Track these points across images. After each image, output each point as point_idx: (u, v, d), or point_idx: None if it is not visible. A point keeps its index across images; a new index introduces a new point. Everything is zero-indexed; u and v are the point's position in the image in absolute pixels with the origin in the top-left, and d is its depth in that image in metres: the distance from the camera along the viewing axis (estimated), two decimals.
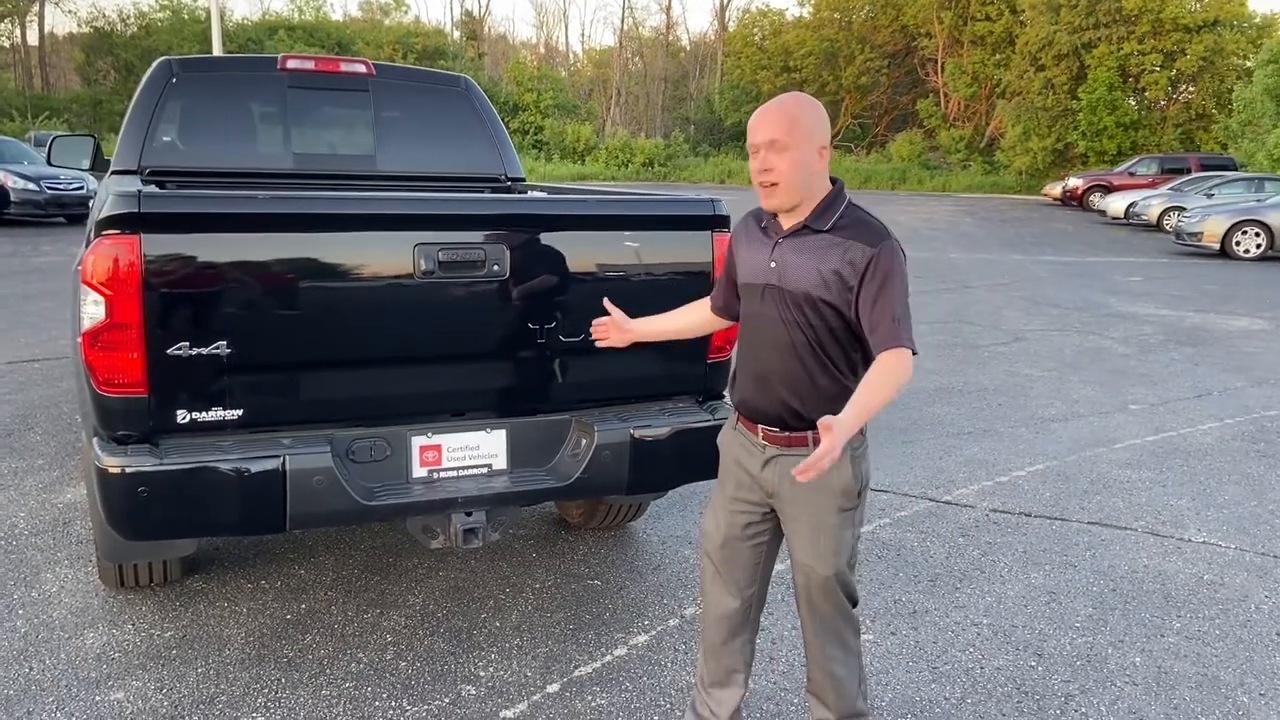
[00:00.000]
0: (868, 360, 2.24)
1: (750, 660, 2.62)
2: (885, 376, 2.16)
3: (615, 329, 2.68)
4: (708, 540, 2.55)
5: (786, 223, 2.32)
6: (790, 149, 2.21)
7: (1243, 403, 6.89)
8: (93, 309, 2.58)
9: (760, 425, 2.39)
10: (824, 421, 2.01)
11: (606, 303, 2.68)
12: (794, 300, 2.28)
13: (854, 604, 2.47)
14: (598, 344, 2.71)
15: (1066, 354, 8.48)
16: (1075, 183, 30.39)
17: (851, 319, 2.24)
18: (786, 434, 2.35)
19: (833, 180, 2.33)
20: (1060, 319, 10.33)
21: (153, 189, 2.76)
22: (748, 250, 2.42)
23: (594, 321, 2.70)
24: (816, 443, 2.26)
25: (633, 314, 3.15)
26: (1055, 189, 31.81)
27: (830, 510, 2.34)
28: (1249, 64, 33.81)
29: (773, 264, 2.32)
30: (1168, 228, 20.84)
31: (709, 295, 2.71)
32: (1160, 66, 36.25)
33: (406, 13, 56.87)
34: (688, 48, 64.92)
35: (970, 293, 12.09)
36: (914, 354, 2.20)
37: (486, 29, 63.57)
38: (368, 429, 2.94)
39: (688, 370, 3.36)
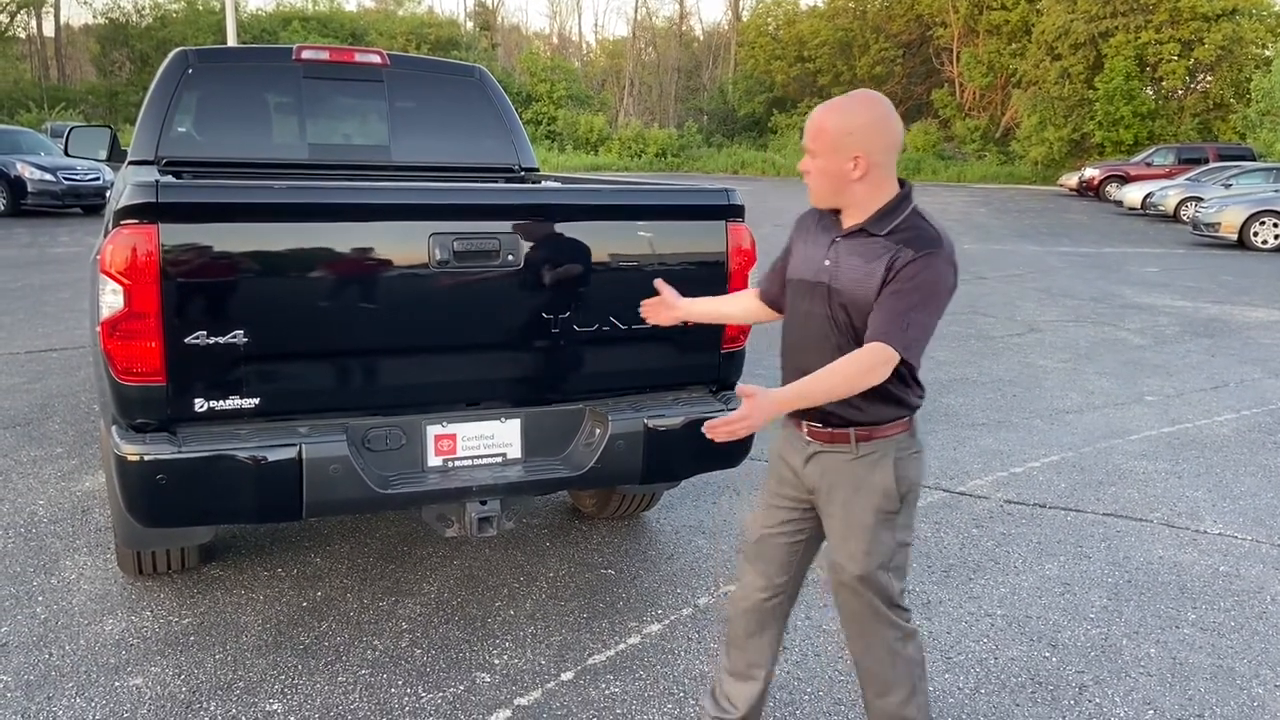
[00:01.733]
0: (909, 366, 2.21)
1: (774, 657, 2.58)
2: (845, 365, 2.15)
3: (663, 308, 2.67)
4: (747, 532, 2.56)
5: (846, 222, 2.28)
6: (817, 156, 2.21)
7: (1260, 394, 6.85)
8: (111, 298, 2.60)
9: (804, 421, 2.37)
10: (744, 388, 2.07)
11: (658, 283, 2.67)
12: (840, 301, 2.24)
13: (896, 608, 2.39)
14: (648, 321, 2.68)
15: (1082, 345, 8.44)
16: (1091, 173, 30.16)
17: None
18: (829, 430, 2.32)
19: (901, 183, 2.27)
20: (1076, 310, 10.28)
21: (170, 179, 2.77)
22: (805, 245, 2.38)
23: (643, 303, 2.69)
24: (859, 440, 2.28)
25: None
26: (1071, 179, 31.58)
27: (866, 510, 2.30)
28: (1268, 53, 33.53)
29: (827, 262, 2.29)
30: (1185, 218, 20.69)
31: (760, 283, 2.63)
32: (1178, 55, 35.90)
33: (420, 3, 56.99)
34: (701, 38, 64.70)
35: (985, 284, 12.03)
36: (903, 360, 2.14)
37: (500, 19, 63.53)
38: (383, 418, 2.96)
39: (701, 360, 3.36)
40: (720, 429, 2.15)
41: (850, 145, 2.19)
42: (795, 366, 2.35)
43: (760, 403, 2.13)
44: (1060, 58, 37.54)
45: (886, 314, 2.16)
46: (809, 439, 2.37)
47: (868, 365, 2.15)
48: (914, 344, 2.16)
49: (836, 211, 2.32)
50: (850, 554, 2.33)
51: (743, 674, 2.58)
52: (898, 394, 2.26)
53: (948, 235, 2.25)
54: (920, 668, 2.46)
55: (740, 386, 2.14)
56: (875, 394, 2.22)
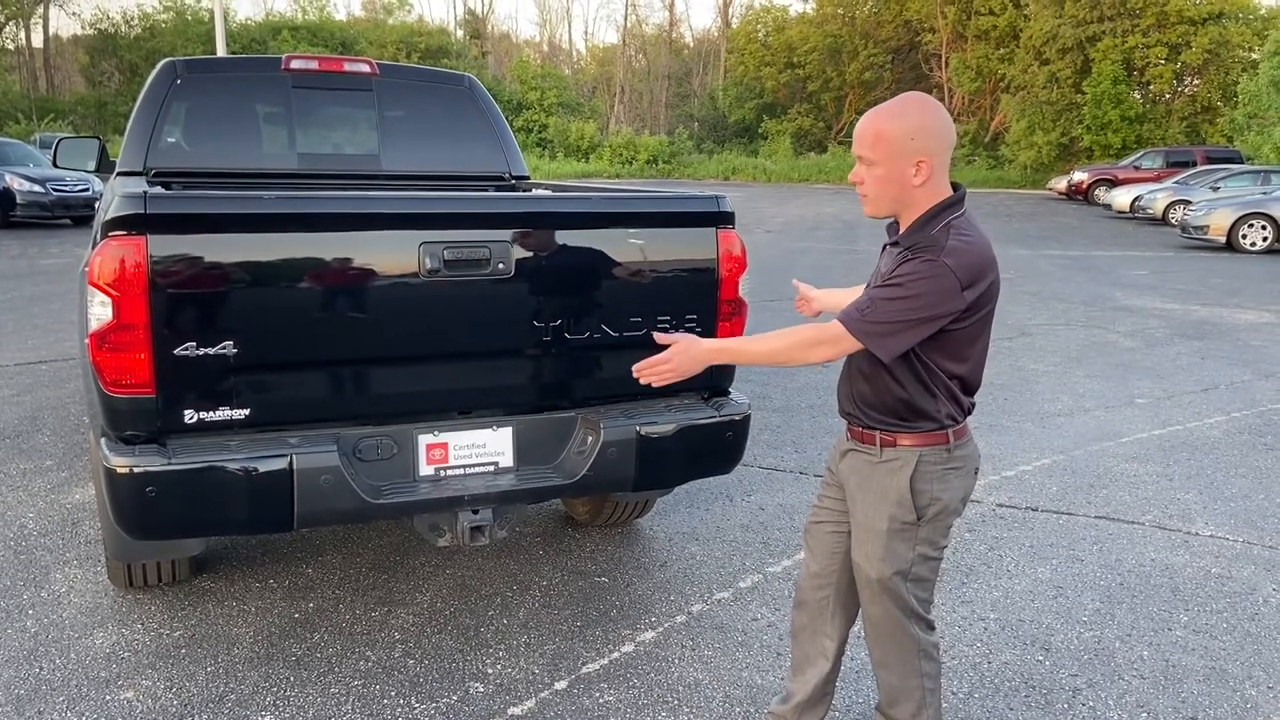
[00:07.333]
0: (932, 375, 2.21)
1: (831, 654, 2.54)
2: (790, 334, 2.20)
3: (802, 302, 2.76)
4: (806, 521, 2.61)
5: (899, 229, 2.27)
6: (876, 164, 2.15)
7: (1250, 396, 6.88)
8: (100, 310, 2.59)
9: (845, 419, 2.42)
10: (666, 336, 2.23)
11: (795, 282, 2.81)
12: None
13: (915, 618, 2.38)
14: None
15: (1072, 348, 8.46)
16: (1080, 177, 30.30)
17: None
18: (859, 429, 2.34)
19: (954, 186, 2.21)
20: (1066, 313, 10.31)
21: (158, 190, 2.76)
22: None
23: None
24: (882, 445, 2.28)
25: (637, 308, 3.17)
26: (1060, 183, 31.72)
27: (880, 516, 2.29)
28: (1254, 56, 33.70)
29: (877, 269, 2.32)
30: (1173, 221, 20.79)
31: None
32: (1165, 59, 36.13)
33: (410, 12, 57.08)
34: (691, 44, 64.91)
35: None
36: (863, 346, 2.13)
37: (490, 28, 63.63)
38: (374, 427, 2.95)
39: None
40: (646, 371, 2.25)
41: (913, 149, 2.12)
42: (846, 368, 2.39)
43: (686, 347, 2.22)
44: (1048, 62, 37.73)
45: (864, 299, 2.18)
46: (848, 435, 2.41)
47: (811, 339, 2.19)
48: (873, 332, 2.11)
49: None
50: (866, 556, 2.34)
51: (800, 670, 2.59)
52: (921, 404, 2.23)
53: (974, 247, 2.13)
54: (934, 681, 2.46)
55: (659, 334, 2.28)
56: (895, 401, 2.24)
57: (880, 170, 2.15)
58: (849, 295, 2.65)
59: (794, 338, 2.20)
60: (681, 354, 2.24)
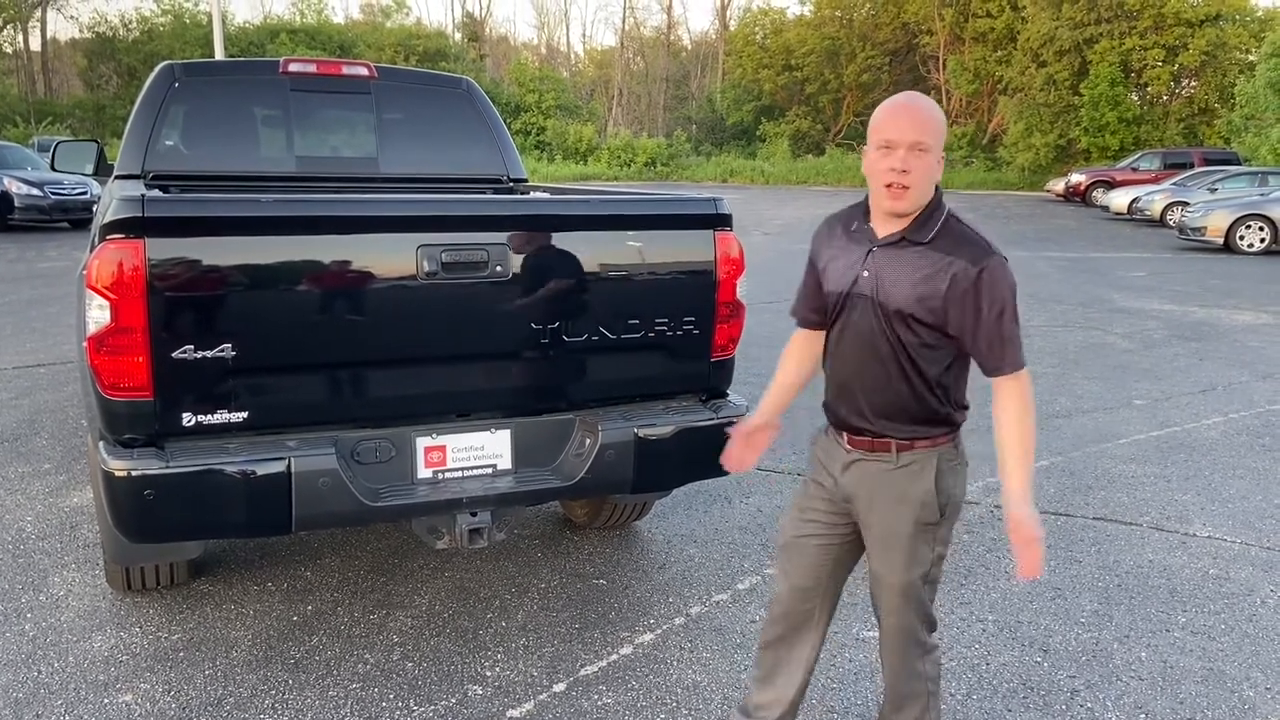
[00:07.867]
0: (957, 380, 2.23)
1: (807, 669, 2.51)
2: (1017, 416, 2.19)
3: (753, 446, 2.55)
4: (781, 535, 2.52)
5: (882, 230, 2.22)
6: (930, 152, 2.13)
7: (1248, 397, 6.88)
8: (98, 313, 2.59)
9: (845, 432, 2.34)
10: (1020, 548, 2.13)
11: (729, 433, 2.58)
12: (887, 314, 2.19)
13: (929, 627, 2.40)
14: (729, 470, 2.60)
15: (1070, 350, 8.47)
16: (1078, 179, 30.33)
17: (948, 338, 2.18)
18: (870, 439, 2.29)
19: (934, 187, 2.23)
20: (1064, 315, 10.32)
21: (156, 193, 2.77)
22: (835, 256, 2.31)
23: (725, 460, 2.57)
24: (899, 450, 2.26)
25: (635, 311, 3.17)
26: (1058, 185, 31.73)
27: (905, 520, 2.27)
28: (1252, 58, 33.74)
29: (865, 273, 2.23)
30: (1171, 223, 20.79)
31: (797, 328, 2.49)
32: (1162, 61, 36.13)
33: (408, 15, 57.03)
34: (689, 47, 64.96)
35: None
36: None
37: (488, 30, 63.68)
38: (373, 430, 2.95)
39: (691, 369, 3.36)
40: (1031, 571, 2.15)
41: (943, 141, 2.19)
42: (840, 377, 2.33)
43: (1022, 529, 2.13)
44: (1046, 64, 37.74)
45: (988, 340, 2.15)
46: (849, 448, 2.33)
47: (1028, 398, 2.21)
48: (1021, 359, 2.19)
49: (865, 218, 2.28)
50: (890, 565, 2.31)
51: (773, 682, 2.53)
52: (943, 412, 2.26)
53: (985, 235, 2.23)
54: (935, 684, 2.46)
55: (1014, 526, 2.15)
56: (918, 416, 2.24)
57: (934, 156, 2.15)
58: (779, 392, 2.52)
59: (1021, 416, 2.20)
60: (1030, 536, 2.13)
